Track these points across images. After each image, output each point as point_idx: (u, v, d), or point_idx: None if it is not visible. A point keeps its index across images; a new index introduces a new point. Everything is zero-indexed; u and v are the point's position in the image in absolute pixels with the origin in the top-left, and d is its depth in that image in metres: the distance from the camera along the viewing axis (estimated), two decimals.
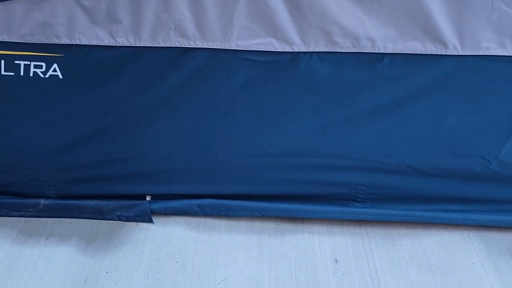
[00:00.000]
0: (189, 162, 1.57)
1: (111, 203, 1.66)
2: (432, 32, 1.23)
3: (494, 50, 1.25)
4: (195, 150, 1.53)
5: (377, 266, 1.53)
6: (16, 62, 1.32)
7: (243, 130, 1.47)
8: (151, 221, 1.66)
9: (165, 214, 1.70)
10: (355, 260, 1.55)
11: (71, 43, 1.27)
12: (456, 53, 1.27)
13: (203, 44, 1.28)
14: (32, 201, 1.66)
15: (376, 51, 1.27)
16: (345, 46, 1.26)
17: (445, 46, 1.25)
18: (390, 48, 1.26)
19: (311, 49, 1.28)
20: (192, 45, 1.28)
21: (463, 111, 1.37)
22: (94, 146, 1.51)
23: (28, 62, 1.32)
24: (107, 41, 1.27)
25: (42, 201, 1.66)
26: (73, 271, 1.49)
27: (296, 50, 1.28)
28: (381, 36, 1.24)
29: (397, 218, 1.64)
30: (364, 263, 1.54)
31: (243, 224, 1.67)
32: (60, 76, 1.34)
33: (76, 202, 1.66)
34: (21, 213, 1.66)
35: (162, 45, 1.28)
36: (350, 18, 1.21)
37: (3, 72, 1.34)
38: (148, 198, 1.68)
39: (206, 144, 1.52)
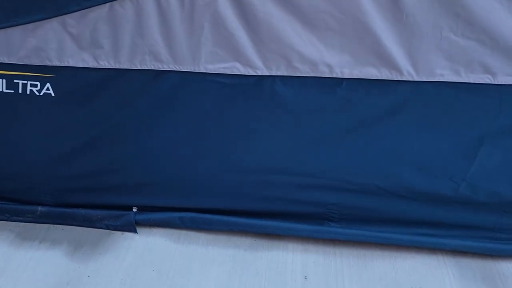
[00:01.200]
0: (171, 176, 1.71)
1: (100, 213, 1.82)
2: (385, 59, 1.33)
3: (449, 76, 1.33)
4: (175, 165, 1.68)
5: (345, 285, 1.59)
6: (15, 81, 1.53)
7: (218, 147, 1.60)
8: (135, 231, 1.80)
9: (149, 225, 1.84)
10: (325, 278, 1.62)
11: (61, 65, 1.47)
12: (411, 79, 1.36)
13: (175, 67, 1.44)
14: (31, 207, 1.85)
15: (334, 76, 1.38)
16: (304, 71, 1.38)
17: (400, 72, 1.35)
18: (347, 74, 1.37)
19: (273, 73, 1.41)
20: (166, 68, 1.44)
21: (425, 134, 1.44)
22: (85, 158, 1.69)
23: (25, 81, 1.53)
24: (91, 63, 1.46)
25: (39, 208, 1.85)
26: (58, 274, 1.64)
27: (260, 73, 1.41)
28: (337, 62, 1.35)
29: (371, 239, 1.70)
30: (333, 282, 1.61)
31: (221, 238, 1.79)
32: (53, 94, 1.54)
33: (70, 210, 1.83)
34: (20, 218, 1.85)
35: (139, 67, 1.45)
36: (306, 46, 1.33)
37: (4, 90, 1.55)
38: (134, 209, 1.82)
39: (186, 160, 1.66)
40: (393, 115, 1.44)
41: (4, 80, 1.53)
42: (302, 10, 1.29)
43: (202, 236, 1.80)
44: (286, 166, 1.60)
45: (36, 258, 1.71)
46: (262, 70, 1.40)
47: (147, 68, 1.45)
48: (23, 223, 1.86)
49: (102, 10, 1.35)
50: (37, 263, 1.69)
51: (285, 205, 1.70)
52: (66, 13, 1.37)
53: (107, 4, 1.34)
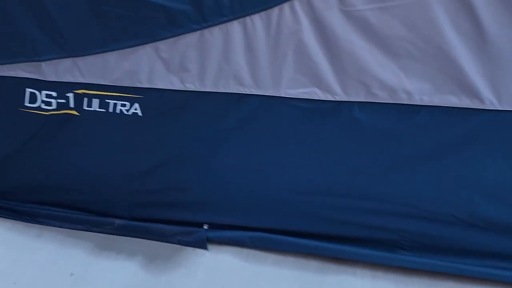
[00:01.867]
0: (242, 196, 1.78)
1: (173, 228, 1.91)
2: (467, 87, 1.35)
3: None
4: (249, 185, 1.75)
5: None
6: (106, 101, 1.68)
7: (292, 169, 1.66)
8: (206, 248, 1.87)
9: (219, 243, 1.91)
10: None
11: (150, 86, 1.60)
12: (493, 108, 1.36)
13: (257, 91, 1.52)
14: (109, 219, 1.97)
15: (413, 103, 1.41)
16: (383, 97, 1.42)
17: (481, 101, 1.35)
18: (426, 101, 1.40)
19: (351, 99, 1.46)
20: (247, 91, 1.53)
21: (503, 163, 1.43)
22: (162, 175, 1.80)
23: (116, 101, 1.67)
24: (178, 86, 1.57)
25: (116, 220, 1.97)
26: (135, 284, 1.75)
27: (338, 99, 1.47)
28: (417, 90, 1.38)
29: (443, 269, 1.67)
30: None
31: (289, 259, 1.82)
32: (140, 114, 1.67)
33: (144, 224, 1.94)
34: (100, 229, 1.98)
35: (222, 90, 1.55)
36: (386, 73, 1.38)
37: (97, 109, 1.70)
38: (205, 227, 1.90)
39: (260, 180, 1.73)
40: (471, 143, 1.44)
41: (97, 100, 1.68)
42: (383, 39, 1.35)
43: (271, 256, 1.84)
44: (359, 190, 1.63)
45: (114, 268, 1.82)
46: (340, 96, 1.46)
47: (230, 92, 1.54)
48: (101, 234, 1.98)
49: (192, 37, 1.47)
50: (115, 273, 1.80)
51: (355, 230, 1.72)
52: (160, 40, 1.50)
53: (198, 32, 1.46)
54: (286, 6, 1.36)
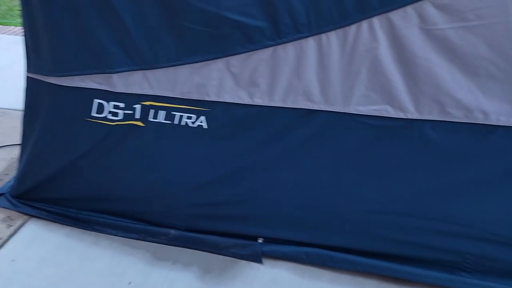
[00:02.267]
0: (301, 211, 1.76)
1: (228, 241, 1.90)
2: None
3: None
4: (308, 200, 1.72)
5: None
6: (173, 113, 1.68)
7: (354, 186, 1.63)
8: (261, 261, 1.85)
9: (274, 257, 1.88)
10: None
11: (218, 100, 1.60)
12: None
13: (326, 107, 1.51)
14: (164, 230, 1.97)
15: (489, 123, 1.37)
16: (457, 116, 1.39)
17: None
18: (503, 121, 1.36)
19: (424, 117, 1.43)
20: (316, 107, 1.52)
21: None
22: (221, 187, 1.79)
23: (182, 114, 1.67)
24: (246, 100, 1.57)
25: (172, 231, 1.97)
26: None
27: (410, 117, 1.44)
28: (494, 110, 1.35)
29: None
30: None
31: (345, 277, 1.78)
32: (205, 126, 1.67)
33: (199, 235, 1.93)
34: (154, 239, 1.98)
35: (290, 106, 1.54)
36: (463, 92, 1.35)
37: (162, 120, 1.71)
38: (260, 240, 1.88)
39: (318, 196, 1.70)
40: None
41: (163, 112, 1.69)
42: (463, 58, 1.32)
43: (326, 273, 1.80)
44: (424, 210, 1.59)
45: (170, 278, 1.81)
46: (412, 114, 1.43)
47: (298, 107, 1.53)
48: (156, 244, 1.98)
49: (265, 53, 1.47)
50: (171, 283, 1.79)
51: (416, 250, 1.67)
52: (232, 55, 1.50)
53: (271, 48, 1.46)
54: (364, 24, 1.35)
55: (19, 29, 4.56)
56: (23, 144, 2.04)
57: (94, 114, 1.76)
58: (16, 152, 2.54)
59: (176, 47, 1.55)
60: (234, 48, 1.48)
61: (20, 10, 1.73)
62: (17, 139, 2.64)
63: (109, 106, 1.72)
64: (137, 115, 1.72)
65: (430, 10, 1.29)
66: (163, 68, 1.59)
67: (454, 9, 1.26)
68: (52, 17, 1.63)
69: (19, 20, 4.91)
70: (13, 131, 2.75)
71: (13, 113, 2.97)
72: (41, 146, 1.94)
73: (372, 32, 1.36)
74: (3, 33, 4.48)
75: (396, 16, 1.31)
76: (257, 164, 1.69)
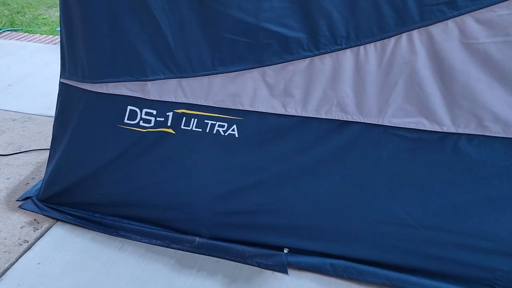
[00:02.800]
0: (328, 222, 1.73)
1: (253, 250, 1.87)
2: None
3: None
4: (336, 211, 1.69)
5: None
6: (205, 121, 1.67)
7: (385, 199, 1.60)
8: (286, 272, 1.82)
9: (299, 268, 1.85)
10: None
11: (252, 109, 1.59)
12: None
13: (360, 119, 1.49)
14: (189, 237, 1.95)
15: None
16: (495, 131, 1.36)
17: None
18: None
19: (460, 131, 1.40)
20: (350, 118, 1.50)
21: None
22: (249, 196, 1.77)
23: (214, 122, 1.66)
24: (279, 110, 1.56)
25: (197, 239, 1.95)
26: None
27: (446, 130, 1.42)
28: None
29: None
30: None
31: None
32: (236, 135, 1.65)
33: (225, 244, 1.90)
34: (179, 246, 1.96)
35: (324, 116, 1.52)
36: (502, 106, 1.32)
37: (194, 128, 1.70)
38: (285, 251, 1.85)
39: (347, 208, 1.67)
40: None
41: (195, 120, 1.68)
42: (503, 72, 1.30)
43: (352, 286, 1.77)
44: (457, 225, 1.55)
45: (195, 286, 1.78)
46: (448, 127, 1.41)
47: (331, 118, 1.51)
48: (181, 251, 1.96)
49: (301, 64, 1.46)
50: None
51: (446, 265, 1.63)
52: (268, 65, 1.49)
53: (308, 59, 1.45)
54: (404, 36, 1.34)
55: (44, 37, 4.63)
56: (53, 149, 2.04)
57: (126, 120, 1.76)
58: (42, 156, 2.55)
59: (212, 56, 1.54)
60: (270, 58, 1.48)
61: (58, 16, 1.74)
62: (44, 144, 2.66)
63: (142, 113, 1.72)
64: (169, 123, 1.71)
65: (471, 24, 1.27)
66: (198, 77, 1.58)
67: (496, 23, 1.25)
68: (90, 22, 1.63)
69: (44, 28, 5.00)
70: (40, 136, 2.77)
71: (39, 118, 2.99)
72: (71, 151, 1.94)
73: (411, 45, 1.34)
74: (28, 41, 4.54)
75: (436, 29, 1.30)
76: (287, 174, 1.67)
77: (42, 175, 2.24)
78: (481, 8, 1.25)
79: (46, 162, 2.13)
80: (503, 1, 1.22)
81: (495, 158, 1.41)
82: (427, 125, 1.43)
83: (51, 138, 2.05)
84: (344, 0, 1.36)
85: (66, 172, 2.01)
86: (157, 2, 1.51)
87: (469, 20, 1.27)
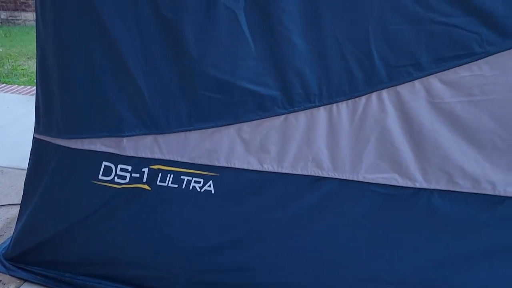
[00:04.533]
0: (305, 278, 1.69)
1: None
2: None
3: None
4: (313, 267, 1.66)
5: None
6: (181, 177, 1.66)
7: (361, 255, 1.59)
8: None
9: None
10: None
11: (227, 166, 1.59)
12: None
13: (335, 175, 1.50)
14: None
15: (497, 193, 1.37)
16: (465, 186, 1.39)
17: None
18: (510, 192, 1.36)
19: (432, 187, 1.43)
20: (325, 174, 1.51)
21: None
22: (225, 253, 1.73)
23: (190, 178, 1.65)
24: (255, 166, 1.56)
25: None
26: None
27: (418, 186, 1.44)
28: (501, 181, 1.36)
29: None
30: None
31: None
32: (213, 191, 1.64)
33: None
34: None
35: (299, 172, 1.53)
36: (471, 163, 1.36)
37: (169, 184, 1.68)
38: None
39: (324, 264, 1.65)
40: None
41: (171, 176, 1.66)
42: (470, 130, 1.35)
43: None
44: (432, 281, 1.53)
45: None
46: (420, 183, 1.43)
47: (307, 174, 1.52)
48: None
49: (276, 121, 1.49)
50: None
51: None
52: (244, 122, 1.51)
53: (283, 116, 1.48)
54: (373, 95, 1.39)
55: (22, 88, 4.62)
56: (24, 205, 1.98)
57: (101, 176, 1.73)
58: (12, 212, 2.47)
59: (189, 112, 1.56)
60: (246, 115, 1.50)
61: (35, 70, 1.75)
62: (15, 198, 2.58)
63: (117, 169, 1.70)
64: (145, 179, 1.70)
65: (437, 85, 1.33)
66: (174, 133, 1.59)
67: (460, 84, 1.31)
68: (68, 77, 1.64)
69: (22, 79, 4.99)
70: (11, 191, 2.69)
71: (12, 171, 2.92)
72: (43, 207, 1.88)
73: (380, 104, 1.39)
74: (5, 92, 4.52)
75: (404, 89, 1.36)
76: (264, 230, 1.65)
77: (12, 232, 2.15)
78: (444, 70, 1.31)
79: (16, 218, 2.06)
80: (465, 64, 1.29)
81: (468, 213, 1.43)
82: (400, 181, 1.45)
83: (22, 192, 1.99)
84: (316, 60, 1.41)
85: (36, 230, 1.94)
86: (134, 59, 1.54)
87: (434, 81, 1.33)
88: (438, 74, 1.32)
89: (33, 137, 1.86)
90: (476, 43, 1.27)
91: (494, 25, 1.24)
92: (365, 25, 1.33)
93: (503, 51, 1.26)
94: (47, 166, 1.82)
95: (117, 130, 1.63)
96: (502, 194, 1.37)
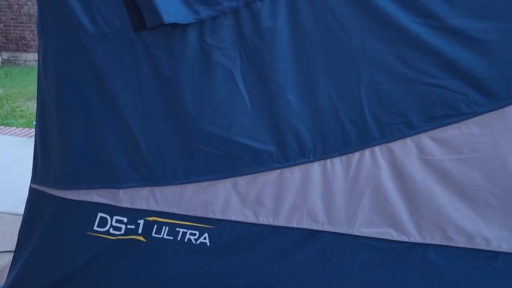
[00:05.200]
0: None
1: None
2: None
3: None
4: None
5: None
6: (177, 229, 1.66)
7: None
8: None
9: None
10: None
11: (223, 218, 1.59)
12: None
13: (330, 229, 1.51)
14: None
15: (491, 249, 1.38)
16: (459, 242, 1.40)
17: None
18: (504, 248, 1.37)
19: (427, 241, 1.44)
20: (320, 228, 1.52)
21: None
22: None
23: (186, 230, 1.65)
24: (251, 219, 1.57)
25: None
26: None
27: (413, 241, 1.45)
28: (495, 237, 1.37)
29: None
30: None
31: None
32: (208, 244, 1.64)
33: None
34: None
35: (295, 226, 1.54)
36: (464, 219, 1.38)
37: (165, 236, 1.68)
38: None
39: None
40: None
41: (167, 227, 1.66)
42: (462, 187, 1.37)
43: None
44: None
45: None
46: (415, 238, 1.44)
47: (302, 227, 1.53)
48: None
49: (272, 175, 1.51)
50: None
51: None
52: (240, 175, 1.53)
53: (278, 170, 1.50)
54: (367, 151, 1.42)
55: (20, 130, 4.64)
56: (17, 253, 1.95)
57: (96, 228, 1.72)
58: (5, 259, 2.42)
59: (186, 166, 1.58)
60: (242, 169, 1.52)
61: (35, 119, 1.78)
62: (8, 245, 2.54)
63: (112, 221, 1.70)
64: (140, 230, 1.69)
65: (427, 142, 1.37)
66: (170, 186, 1.60)
67: (450, 142, 1.35)
68: (66, 129, 1.66)
69: (21, 120, 5.03)
70: (4, 237, 2.66)
71: (5, 217, 2.89)
72: (36, 258, 1.86)
73: (374, 160, 1.42)
74: (3, 134, 4.53)
75: (396, 146, 1.39)
76: (259, 284, 1.63)
77: (3, 281, 2.11)
78: (434, 129, 1.35)
79: (9, 266, 2.03)
80: (454, 123, 1.33)
81: (463, 268, 1.43)
82: (395, 236, 1.46)
83: (16, 239, 1.97)
84: (310, 117, 1.45)
85: (30, 279, 1.90)
86: (133, 113, 1.57)
87: (425, 139, 1.37)
88: (429, 132, 1.36)
89: (30, 187, 1.86)
90: (464, 103, 1.31)
91: (480, 87, 1.29)
92: (357, 84, 1.38)
93: (490, 111, 1.30)
94: (43, 216, 1.82)
95: (114, 182, 1.64)
96: (496, 249, 1.38)
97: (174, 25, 1.43)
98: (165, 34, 1.46)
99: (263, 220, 1.56)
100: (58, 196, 1.75)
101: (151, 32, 1.46)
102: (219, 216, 1.60)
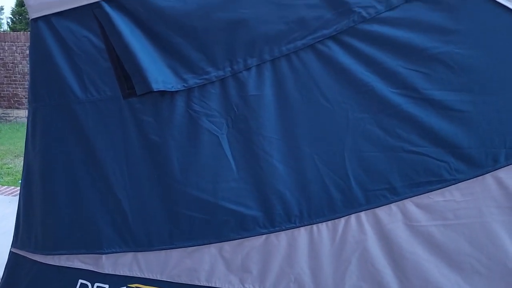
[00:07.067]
0: None
1: None
2: None
3: None
4: None
5: None
6: None
7: None
8: None
9: None
10: None
11: (208, 285, 1.53)
12: None
13: None
14: None
15: None
16: None
17: None
18: None
19: None
20: None
21: None
22: None
23: None
24: (237, 286, 1.51)
25: None
26: None
27: None
28: None
29: None
30: None
31: None
32: None
33: None
34: None
35: None
36: (452, 285, 1.34)
37: None
38: None
39: None
40: None
41: None
42: (448, 253, 1.35)
43: None
44: None
45: None
46: None
47: None
48: None
49: (258, 240, 1.47)
50: None
51: None
52: (225, 241, 1.49)
53: (264, 236, 1.47)
54: (352, 217, 1.40)
55: (5, 188, 4.53)
56: None
57: None
58: None
59: (170, 231, 1.53)
60: (228, 234, 1.48)
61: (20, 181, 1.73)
62: None
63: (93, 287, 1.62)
64: None
65: (412, 208, 1.36)
66: (154, 251, 1.55)
67: (434, 208, 1.34)
68: (50, 194, 1.63)
69: (6, 178, 4.92)
70: None
71: None
72: None
73: (360, 226, 1.40)
74: None
75: (381, 212, 1.38)
76: None
77: None
78: (418, 195, 1.35)
79: None
80: (437, 190, 1.33)
81: None
82: None
83: None
84: (296, 183, 1.44)
85: None
86: (119, 179, 1.55)
87: (409, 205, 1.36)
88: (413, 198, 1.35)
89: (10, 251, 1.79)
90: (446, 171, 1.32)
91: (461, 155, 1.31)
92: (341, 151, 1.39)
93: (471, 178, 1.31)
94: (21, 282, 1.73)
95: (97, 247, 1.58)
96: None
97: (162, 92, 1.46)
98: (153, 101, 1.48)
99: (249, 287, 1.50)
100: (38, 262, 1.68)
101: (139, 98, 1.48)
102: (204, 283, 1.54)
